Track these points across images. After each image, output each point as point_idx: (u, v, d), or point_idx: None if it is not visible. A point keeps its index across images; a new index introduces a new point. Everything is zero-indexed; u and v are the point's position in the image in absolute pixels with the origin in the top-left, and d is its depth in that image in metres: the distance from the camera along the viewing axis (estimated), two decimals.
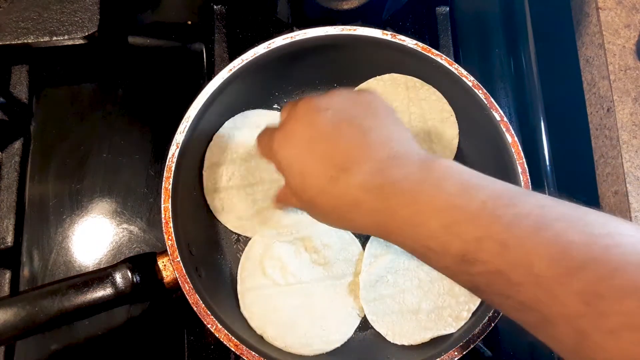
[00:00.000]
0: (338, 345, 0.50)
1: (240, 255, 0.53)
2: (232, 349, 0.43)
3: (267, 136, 0.40)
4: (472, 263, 0.28)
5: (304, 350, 0.49)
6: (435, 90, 0.54)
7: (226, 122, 0.54)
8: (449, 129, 0.54)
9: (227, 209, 0.53)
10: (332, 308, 0.50)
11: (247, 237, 0.54)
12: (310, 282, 0.51)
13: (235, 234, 0.54)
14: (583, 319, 0.24)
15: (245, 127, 0.55)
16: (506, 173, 0.49)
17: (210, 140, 0.53)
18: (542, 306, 0.25)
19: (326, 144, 0.33)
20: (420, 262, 0.50)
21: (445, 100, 0.54)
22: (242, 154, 0.54)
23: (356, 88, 0.55)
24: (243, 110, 0.56)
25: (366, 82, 0.55)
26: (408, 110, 0.55)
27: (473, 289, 0.30)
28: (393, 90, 0.54)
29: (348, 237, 0.53)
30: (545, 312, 0.25)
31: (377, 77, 0.55)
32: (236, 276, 0.52)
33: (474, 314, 0.48)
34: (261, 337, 0.49)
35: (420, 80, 0.54)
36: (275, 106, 0.57)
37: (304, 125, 0.34)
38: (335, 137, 0.33)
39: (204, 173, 0.53)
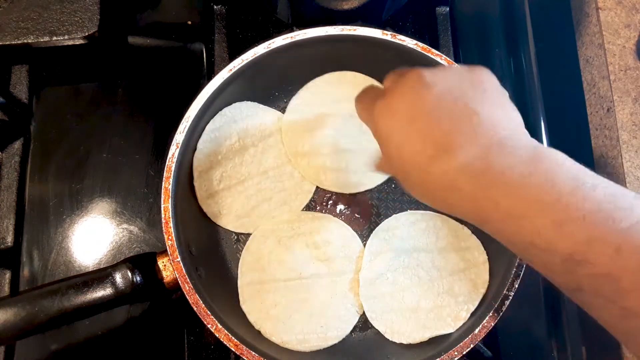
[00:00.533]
0: (335, 342, 0.50)
1: (240, 255, 0.54)
2: (232, 349, 0.43)
3: (368, 98, 0.38)
4: (579, 264, 0.27)
5: (301, 347, 0.49)
6: None
7: (207, 126, 0.53)
8: None
9: (224, 212, 0.53)
10: (330, 304, 0.51)
11: (247, 236, 0.54)
12: (310, 277, 0.51)
13: (235, 233, 0.54)
14: None
15: (225, 125, 0.54)
16: None
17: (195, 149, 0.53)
18: None
19: (429, 121, 0.31)
20: (420, 260, 0.51)
21: None
22: (226, 153, 0.54)
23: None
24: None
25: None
26: None
27: (575, 290, 0.29)
28: None
29: (349, 233, 0.53)
30: None
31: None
32: (236, 275, 0.52)
33: (472, 314, 0.48)
34: (259, 333, 0.49)
35: None
36: (276, 106, 0.57)
37: (409, 100, 0.33)
38: (439, 115, 0.31)
39: (195, 184, 0.52)
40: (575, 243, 0.27)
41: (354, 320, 0.51)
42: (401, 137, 0.32)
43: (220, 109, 0.53)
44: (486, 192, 0.29)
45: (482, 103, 0.32)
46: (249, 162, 0.54)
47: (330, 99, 0.56)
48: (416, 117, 0.32)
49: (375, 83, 0.55)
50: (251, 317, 0.50)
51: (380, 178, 0.55)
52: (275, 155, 0.55)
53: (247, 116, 0.55)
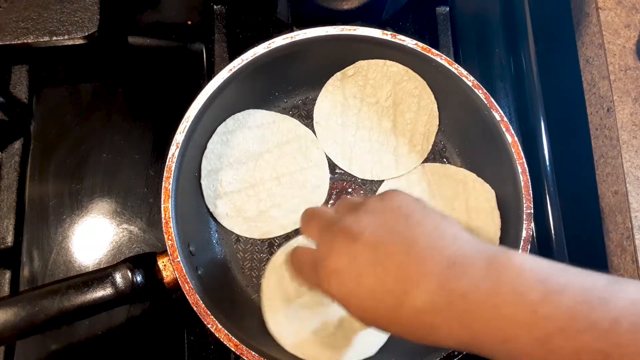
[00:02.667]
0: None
1: (240, 255, 0.54)
2: (232, 349, 0.43)
3: (305, 267, 0.37)
4: None
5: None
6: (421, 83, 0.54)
7: (218, 128, 0.54)
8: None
9: (231, 214, 0.53)
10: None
11: (246, 237, 0.54)
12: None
13: (236, 234, 0.54)
14: None
15: (238, 130, 0.55)
16: (506, 173, 0.49)
17: (205, 147, 0.53)
18: None
19: (375, 273, 0.31)
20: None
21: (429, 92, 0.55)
22: (239, 156, 0.54)
23: (347, 69, 0.55)
24: (242, 111, 0.56)
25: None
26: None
27: None
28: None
29: None
30: None
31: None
32: (236, 275, 0.52)
33: None
34: (262, 336, 0.49)
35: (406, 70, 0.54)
36: (276, 106, 0.57)
37: (345, 261, 0.32)
38: (381, 263, 0.31)
39: (202, 182, 0.52)
40: (563, 357, 0.26)
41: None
42: (358, 299, 0.32)
43: (220, 109, 0.53)
44: (462, 323, 0.28)
45: (414, 229, 0.32)
46: (262, 167, 0.54)
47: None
48: (361, 275, 0.31)
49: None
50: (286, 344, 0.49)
51: (403, 170, 0.55)
52: (289, 163, 0.55)
53: (263, 124, 0.55)
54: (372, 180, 0.56)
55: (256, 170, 0.54)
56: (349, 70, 0.55)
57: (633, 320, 0.24)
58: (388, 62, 0.54)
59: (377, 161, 0.55)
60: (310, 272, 0.35)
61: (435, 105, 0.55)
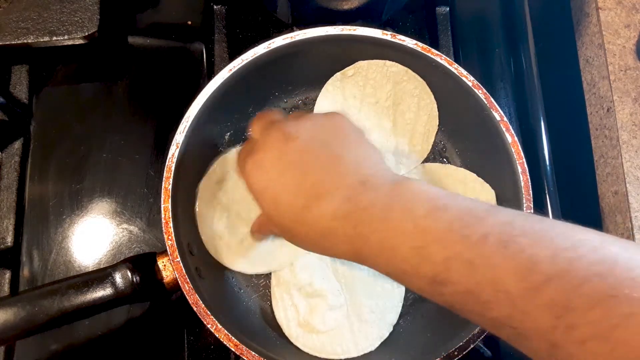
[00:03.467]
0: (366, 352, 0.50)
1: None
2: (232, 349, 0.43)
3: (243, 154, 0.40)
4: (443, 284, 0.28)
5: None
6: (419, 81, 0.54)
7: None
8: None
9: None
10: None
11: None
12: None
13: None
14: (554, 332, 0.24)
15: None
16: (506, 173, 0.49)
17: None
18: (514, 322, 0.26)
19: (296, 173, 0.34)
20: None
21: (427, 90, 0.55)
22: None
23: (346, 69, 0.55)
24: (243, 110, 0.56)
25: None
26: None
27: (449, 308, 0.30)
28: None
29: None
30: (517, 327, 0.26)
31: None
32: (236, 276, 0.52)
33: None
34: (266, 338, 0.49)
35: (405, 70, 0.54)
36: (276, 106, 0.57)
37: (276, 154, 0.35)
38: (305, 166, 0.34)
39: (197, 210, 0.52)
40: (435, 265, 0.28)
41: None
42: (274, 192, 0.34)
43: (221, 109, 0.53)
44: (356, 231, 0.31)
45: (343, 147, 0.34)
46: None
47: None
48: (284, 170, 0.34)
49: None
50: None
51: (403, 170, 0.55)
52: None
53: None
54: None
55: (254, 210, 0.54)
56: (349, 70, 0.55)
57: (499, 236, 0.27)
58: (388, 62, 0.54)
59: None
60: (243, 159, 0.37)
61: (435, 105, 0.55)
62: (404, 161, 0.55)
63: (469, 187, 0.53)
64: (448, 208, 0.29)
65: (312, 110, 0.57)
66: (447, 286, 0.28)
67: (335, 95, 0.56)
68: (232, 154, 0.54)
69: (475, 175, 0.54)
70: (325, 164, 0.33)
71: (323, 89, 0.56)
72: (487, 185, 0.53)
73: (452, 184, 0.54)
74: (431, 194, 0.31)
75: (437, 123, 0.55)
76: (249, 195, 0.37)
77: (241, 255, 0.51)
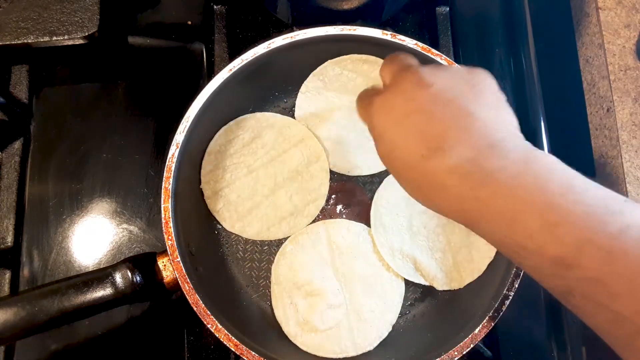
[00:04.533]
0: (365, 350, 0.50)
1: (240, 255, 0.54)
2: (232, 349, 0.43)
3: (367, 97, 0.38)
4: (570, 267, 0.27)
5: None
6: None
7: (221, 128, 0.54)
8: None
9: (230, 213, 0.54)
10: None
11: (246, 238, 0.54)
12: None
13: (235, 234, 0.54)
14: None
15: (240, 130, 0.55)
16: None
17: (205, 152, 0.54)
18: (638, 319, 0.25)
19: (423, 120, 0.32)
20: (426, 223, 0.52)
21: None
22: (239, 156, 0.55)
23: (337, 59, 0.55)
24: (243, 111, 0.56)
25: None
26: None
27: (565, 293, 0.28)
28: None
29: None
30: None
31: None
32: (236, 276, 0.52)
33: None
34: (264, 335, 0.50)
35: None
36: (276, 106, 0.57)
37: (405, 98, 0.33)
38: (433, 115, 0.32)
39: (202, 179, 0.53)
40: (566, 246, 0.27)
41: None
42: (394, 133, 0.33)
43: (221, 109, 0.53)
44: (475, 193, 0.29)
45: (477, 104, 0.32)
46: (262, 164, 0.55)
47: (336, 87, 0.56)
48: (410, 114, 0.32)
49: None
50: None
51: (374, 168, 0.56)
52: (290, 160, 0.55)
53: (264, 126, 0.56)
54: (372, 181, 0.56)
55: (256, 168, 0.54)
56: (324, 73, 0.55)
57: None
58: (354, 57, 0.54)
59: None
60: (368, 102, 0.36)
61: None
62: None
63: None
64: (587, 190, 0.28)
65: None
66: (574, 270, 0.26)
67: (317, 96, 0.56)
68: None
69: None
70: (454, 117, 0.31)
71: (300, 94, 0.56)
72: None
73: None
74: (568, 173, 0.29)
75: None
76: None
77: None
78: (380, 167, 0.56)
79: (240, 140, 0.55)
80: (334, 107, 0.56)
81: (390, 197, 0.54)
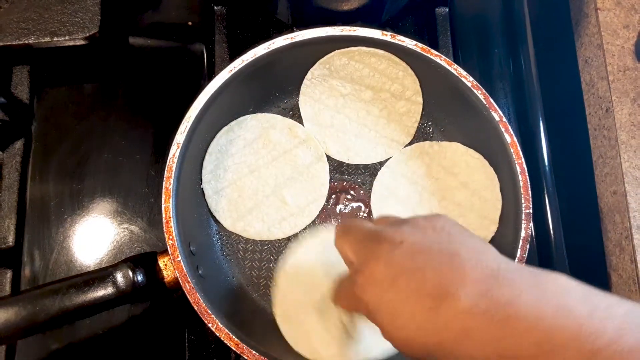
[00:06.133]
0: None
1: (241, 255, 0.54)
2: (233, 348, 0.43)
3: (344, 286, 0.37)
4: None
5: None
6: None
7: (222, 129, 0.55)
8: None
9: (231, 213, 0.54)
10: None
11: (247, 238, 0.54)
12: None
13: (235, 233, 0.54)
14: None
15: (242, 131, 0.55)
16: (505, 173, 0.49)
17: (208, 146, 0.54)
18: None
19: (413, 277, 0.30)
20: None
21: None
22: (240, 157, 0.55)
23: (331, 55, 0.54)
24: (243, 111, 0.56)
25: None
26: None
27: None
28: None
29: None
30: None
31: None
32: (237, 275, 0.53)
33: None
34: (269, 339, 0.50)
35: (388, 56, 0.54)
36: (276, 106, 0.57)
37: (384, 264, 0.32)
38: (420, 268, 0.31)
39: (204, 178, 0.53)
40: None
41: None
42: (389, 304, 0.31)
43: (221, 109, 0.53)
44: (504, 331, 0.27)
45: (455, 244, 0.32)
46: (264, 164, 0.55)
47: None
48: (397, 278, 0.31)
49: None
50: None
51: (382, 156, 0.56)
52: (290, 161, 0.55)
53: (265, 126, 0.56)
54: (371, 181, 0.56)
55: (257, 167, 0.55)
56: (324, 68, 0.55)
57: None
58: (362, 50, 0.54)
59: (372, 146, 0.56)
60: (349, 288, 0.35)
61: (414, 79, 0.55)
62: (394, 144, 0.56)
63: (461, 159, 0.54)
64: (610, 307, 0.27)
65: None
66: None
67: (314, 94, 0.56)
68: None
69: (465, 147, 0.54)
70: (442, 262, 0.30)
71: (302, 94, 0.57)
72: (477, 153, 0.53)
73: (443, 159, 0.55)
74: (584, 290, 0.28)
75: (421, 100, 0.56)
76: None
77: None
78: (378, 157, 0.56)
79: (241, 140, 0.55)
80: (337, 95, 0.56)
81: (391, 189, 0.55)
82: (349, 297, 0.36)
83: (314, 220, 0.55)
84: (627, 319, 0.26)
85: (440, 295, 0.29)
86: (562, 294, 0.28)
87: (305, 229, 0.55)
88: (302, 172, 0.55)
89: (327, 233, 0.53)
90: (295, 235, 0.55)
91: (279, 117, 0.56)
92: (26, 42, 0.54)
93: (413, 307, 0.30)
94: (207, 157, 0.54)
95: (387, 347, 0.50)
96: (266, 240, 0.54)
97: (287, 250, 0.53)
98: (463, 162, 0.54)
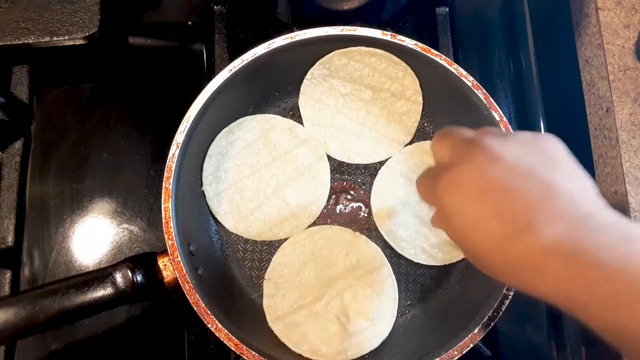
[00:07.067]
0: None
1: (240, 255, 0.54)
2: (232, 349, 0.43)
3: (429, 178, 0.36)
4: None
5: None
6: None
7: (222, 131, 0.55)
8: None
9: (231, 213, 0.54)
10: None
11: (247, 238, 0.54)
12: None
13: (235, 234, 0.54)
14: None
15: (242, 132, 0.55)
16: None
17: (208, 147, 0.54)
18: None
19: (502, 197, 0.29)
20: None
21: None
22: (241, 158, 0.55)
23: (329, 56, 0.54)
24: (243, 111, 0.56)
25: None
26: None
27: None
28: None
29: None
30: None
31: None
32: (236, 275, 0.53)
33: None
34: (265, 337, 0.50)
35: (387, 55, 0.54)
36: (275, 106, 0.57)
37: (476, 174, 0.31)
38: (512, 190, 0.29)
39: (204, 180, 0.53)
40: None
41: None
42: (471, 215, 0.30)
43: (221, 109, 0.53)
44: (577, 275, 0.27)
45: (557, 174, 0.30)
46: (264, 165, 0.55)
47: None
48: (487, 192, 0.30)
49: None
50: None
51: (383, 155, 0.56)
52: (291, 162, 0.55)
53: (265, 127, 0.56)
54: (371, 180, 0.56)
55: (258, 169, 0.55)
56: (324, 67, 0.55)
57: None
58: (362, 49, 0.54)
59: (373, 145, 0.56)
60: (432, 181, 0.34)
61: (414, 79, 0.55)
62: (397, 138, 0.56)
63: None
64: None
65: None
66: None
67: (314, 93, 0.56)
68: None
69: None
70: (537, 190, 0.29)
71: (301, 94, 0.56)
72: None
73: None
74: None
75: (421, 100, 0.56)
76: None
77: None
78: (379, 156, 0.56)
79: (242, 141, 0.55)
80: (337, 95, 0.56)
81: (391, 188, 0.55)
82: (428, 188, 0.35)
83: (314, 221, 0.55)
84: None
85: (524, 225, 0.28)
86: None
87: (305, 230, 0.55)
88: (302, 172, 0.55)
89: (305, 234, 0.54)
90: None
91: (279, 117, 0.56)
92: (26, 41, 0.53)
93: (494, 227, 0.29)
94: (207, 159, 0.54)
95: (383, 336, 0.51)
96: (266, 241, 0.54)
97: (277, 253, 0.53)
98: None
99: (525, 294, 0.30)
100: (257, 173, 0.55)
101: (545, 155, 0.31)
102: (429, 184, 0.35)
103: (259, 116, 0.56)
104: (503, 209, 0.29)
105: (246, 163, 0.55)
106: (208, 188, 0.53)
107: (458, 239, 0.32)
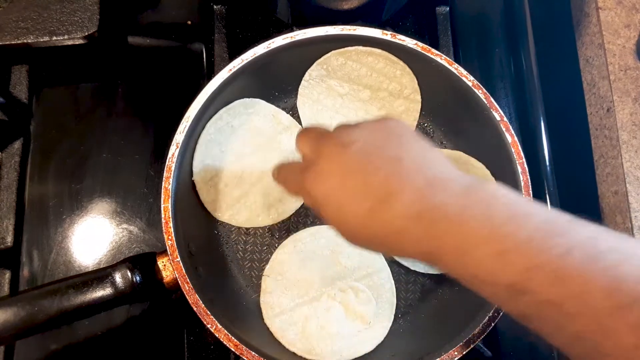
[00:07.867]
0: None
1: (240, 255, 0.54)
2: (232, 349, 0.43)
3: (291, 174, 0.40)
4: (522, 293, 0.27)
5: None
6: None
7: (212, 118, 0.54)
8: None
9: (228, 207, 0.54)
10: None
11: (247, 236, 0.54)
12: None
13: (235, 233, 0.54)
14: (637, 352, 0.24)
15: (233, 120, 0.55)
16: (506, 173, 0.49)
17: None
18: (596, 336, 0.25)
19: (359, 177, 0.33)
20: None
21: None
22: (235, 145, 0.55)
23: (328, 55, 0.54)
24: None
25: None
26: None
27: (522, 317, 0.29)
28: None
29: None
30: (599, 343, 0.25)
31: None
32: (236, 276, 0.52)
33: None
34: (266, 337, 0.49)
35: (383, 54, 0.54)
36: (275, 105, 0.57)
37: (334, 163, 0.34)
38: (367, 170, 0.33)
39: (194, 170, 0.53)
40: (515, 273, 0.27)
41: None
42: (338, 198, 0.34)
43: (221, 109, 0.53)
44: (429, 232, 0.30)
45: (403, 149, 0.34)
46: (257, 155, 0.55)
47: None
48: (346, 175, 0.33)
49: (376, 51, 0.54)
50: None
51: None
52: (284, 152, 0.55)
53: (253, 112, 0.55)
54: None
55: (243, 155, 0.54)
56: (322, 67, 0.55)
57: (586, 250, 0.26)
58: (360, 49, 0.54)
59: None
60: (296, 178, 0.37)
61: (412, 76, 0.55)
62: None
63: (462, 160, 0.54)
64: (529, 216, 0.29)
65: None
66: (526, 295, 0.27)
67: (312, 93, 0.56)
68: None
69: (467, 155, 0.54)
70: (386, 166, 0.33)
71: (299, 94, 0.56)
72: (480, 163, 0.53)
73: None
74: (510, 199, 0.30)
75: (419, 98, 0.56)
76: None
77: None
78: None
79: (229, 127, 0.54)
80: (336, 95, 0.56)
81: None
82: (296, 185, 0.39)
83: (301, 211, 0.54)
84: (540, 226, 0.28)
85: (381, 198, 0.32)
86: (488, 201, 0.30)
87: (291, 216, 0.54)
88: (287, 158, 0.55)
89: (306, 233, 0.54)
90: (284, 222, 0.54)
91: (263, 102, 0.56)
92: (25, 41, 0.53)
93: (357, 205, 0.33)
94: (197, 148, 0.53)
95: (378, 340, 0.50)
96: (266, 241, 0.54)
97: (277, 250, 0.53)
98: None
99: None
100: (242, 160, 0.54)
101: (390, 134, 0.35)
102: (295, 180, 0.39)
103: (247, 100, 0.55)
104: (361, 188, 0.33)
105: (232, 150, 0.54)
106: (197, 178, 0.53)
107: (333, 224, 0.35)
